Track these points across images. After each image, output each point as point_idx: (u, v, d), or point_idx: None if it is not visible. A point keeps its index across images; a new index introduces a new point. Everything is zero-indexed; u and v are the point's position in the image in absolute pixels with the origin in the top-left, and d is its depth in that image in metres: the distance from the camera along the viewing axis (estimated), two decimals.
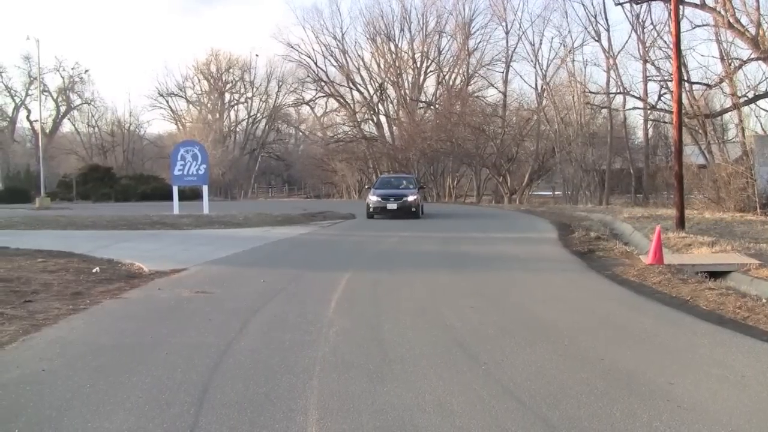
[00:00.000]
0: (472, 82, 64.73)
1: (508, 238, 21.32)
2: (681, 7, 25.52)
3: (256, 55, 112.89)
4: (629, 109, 50.90)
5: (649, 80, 45.79)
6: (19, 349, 7.26)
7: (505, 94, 59.89)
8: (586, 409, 5.52)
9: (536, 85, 57.57)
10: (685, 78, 35.10)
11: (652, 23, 44.38)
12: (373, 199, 29.61)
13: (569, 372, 6.57)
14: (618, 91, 48.27)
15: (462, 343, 7.77)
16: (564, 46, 54.59)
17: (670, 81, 30.51)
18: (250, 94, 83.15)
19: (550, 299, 10.92)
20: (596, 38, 50.24)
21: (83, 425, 5.05)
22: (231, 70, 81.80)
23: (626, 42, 66.14)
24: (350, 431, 5.02)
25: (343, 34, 71.21)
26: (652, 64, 43.46)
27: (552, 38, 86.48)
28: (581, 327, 8.75)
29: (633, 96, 47.02)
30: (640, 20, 45.18)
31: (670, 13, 25.95)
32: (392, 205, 28.93)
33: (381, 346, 7.54)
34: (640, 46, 45.64)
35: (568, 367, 6.75)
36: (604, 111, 51.75)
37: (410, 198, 29.42)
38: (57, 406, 5.45)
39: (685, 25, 31.85)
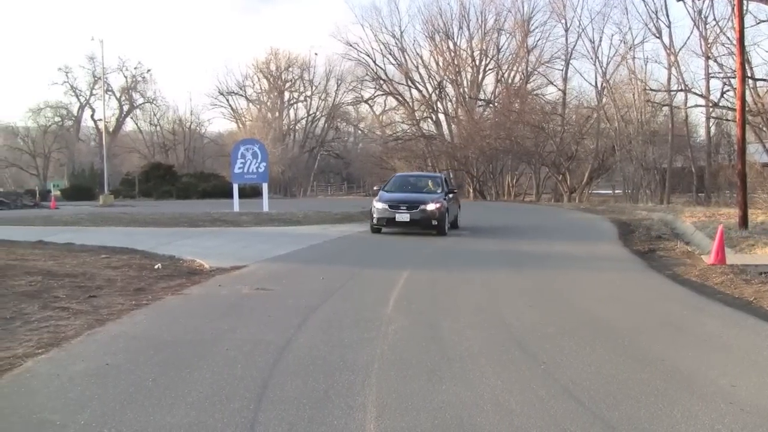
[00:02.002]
0: (531, 80, 64.21)
1: (567, 237, 21.15)
2: (745, 2, 24.97)
3: (315, 54, 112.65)
4: (691, 107, 50.10)
5: (712, 77, 45.09)
6: (85, 343, 7.39)
7: (564, 92, 59.33)
8: (646, 410, 5.45)
9: (596, 82, 56.95)
10: (749, 75, 34.41)
11: (714, 19, 43.62)
12: (378, 206, 21.21)
13: (629, 372, 6.49)
14: (679, 88, 47.67)
15: (520, 342, 7.72)
16: (624, 43, 53.96)
17: (733, 78, 30.04)
18: (309, 93, 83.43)
19: (610, 299, 10.81)
20: (657, 35, 49.60)
21: (146, 418, 5.12)
22: (290, 69, 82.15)
23: (688, 38, 65.30)
24: (408, 429, 5.01)
25: (401, 33, 71.15)
26: (715, 60, 42.79)
27: (612, 35, 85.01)
28: (641, 327, 8.64)
29: (695, 93, 46.35)
30: (702, 16, 44.58)
31: (733, 9, 25.42)
32: (403, 216, 20.64)
33: (439, 345, 7.53)
34: (702, 43, 44.96)
35: (627, 367, 6.66)
36: (665, 109, 51.02)
37: (430, 206, 20.76)
38: (120, 400, 5.53)
39: (748, 20, 31.29)
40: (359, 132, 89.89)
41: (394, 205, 20.86)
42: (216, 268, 13.41)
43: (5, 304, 9.34)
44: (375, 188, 26.39)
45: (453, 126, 68.68)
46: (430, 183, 23.96)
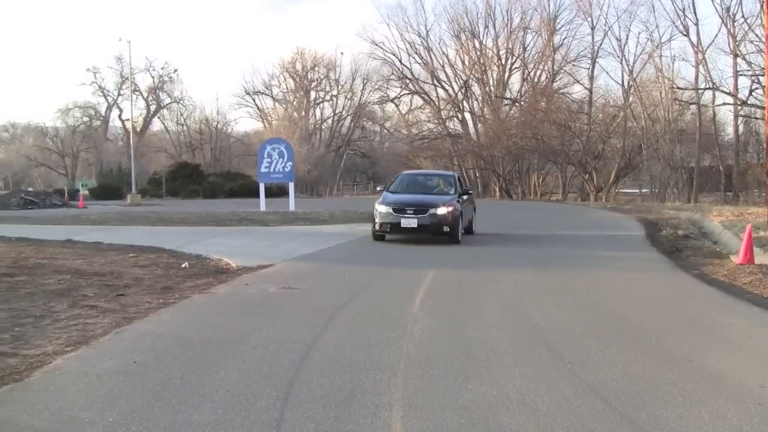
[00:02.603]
0: (557, 79, 63.90)
1: (594, 236, 21.06)
2: None
3: (341, 53, 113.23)
4: (719, 105, 49.47)
5: (740, 75, 44.65)
6: (113, 341, 7.45)
7: (590, 91, 59.08)
8: (674, 410, 5.41)
9: (623, 81, 56.42)
10: None
11: (743, 16, 43.09)
12: (381, 209, 18.73)
13: (656, 372, 6.45)
14: (707, 86, 47.20)
15: (547, 341, 7.69)
16: (651, 41, 53.49)
17: (762, 75, 29.77)
18: (335, 92, 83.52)
19: (637, 298, 10.76)
20: (684, 33, 49.09)
21: (173, 416, 5.16)
22: (316, 68, 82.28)
23: (716, 36, 64.25)
24: (434, 428, 5.01)
25: (427, 32, 71.23)
26: (743, 58, 42.36)
27: (639, 33, 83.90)
28: (668, 327, 8.59)
29: (723, 91, 45.92)
30: (731, 13, 44.10)
31: (762, 6, 25.20)
32: (410, 221, 18.20)
33: (465, 344, 7.52)
34: (731, 40, 44.53)
35: (654, 367, 6.62)
36: (693, 107, 50.59)
37: (441, 210, 18.40)
38: (148, 397, 5.58)
39: None
40: (385, 131, 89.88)
41: (400, 209, 18.42)
42: (243, 267, 13.47)
43: (35, 302, 9.45)
44: (378, 188, 24.13)
45: (479, 125, 68.53)
46: (441, 183, 21.28)
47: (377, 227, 18.75)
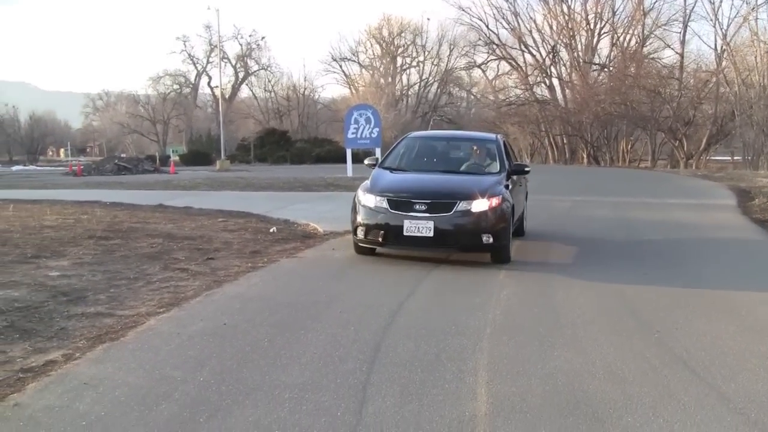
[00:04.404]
0: (647, 44, 62.16)
1: (684, 204, 20.56)
2: None
3: (428, 19, 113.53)
4: None
5: None
6: (203, 303, 7.61)
7: (682, 56, 57.27)
8: (764, 384, 5.27)
9: (715, 45, 54.50)
10: None
11: None
12: (367, 201, 10.74)
13: (747, 344, 6.29)
14: None
15: (634, 310, 7.58)
16: (746, 3, 51.43)
17: None
18: (421, 58, 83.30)
19: (727, 268, 10.51)
20: None
21: (261, 377, 5.25)
22: (403, 35, 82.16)
23: None
24: (519, 394, 4.99)
25: None
26: None
27: None
28: (760, 298, 8.34)
29: None
30: None
31: None
32: (420, 225, 10.10)
33: (552, 311, 7.46)
34: None
35: (745, 339, 6.46)
36: None
37: (479, 204, 10.28)
38: (237, 358, 5.68)
39: None
40: (472, 97, 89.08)
41: (402, 201, 10.36)
42: (330, 232, 13.54)
43: (129, 265, 9.71)
44: (367, 162, 12.81)
45: (567, 91, 67.54)
46: (475, 153, 12.60)
47: (359, 234, 10.62)
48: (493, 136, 13.07)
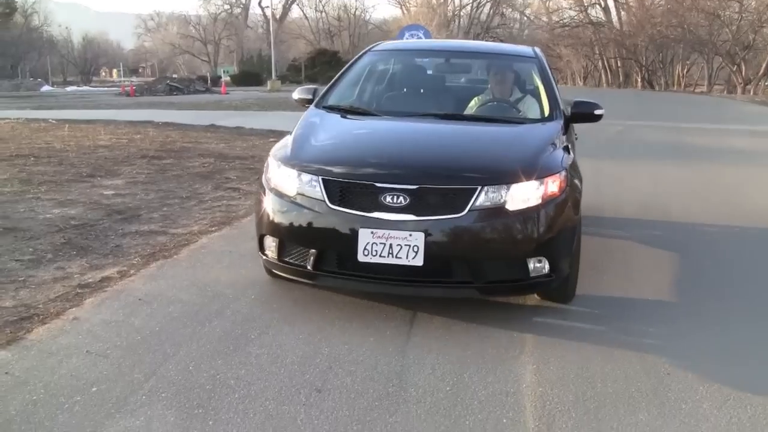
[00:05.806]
0: None
1: (739, 131, 20.11)
2: None
3: None
4: None
5: None
6: (254, 223, 7.68)
7: None
8: None
9: None
10: None
11: None
12: (285, 181, 4.93)
13: None
14: None
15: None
16: None
17: None
18: None
19: None
20: None
21: (312, 295, 5.27)
22: None
23: None
24: None
25: None
26: None
27: None
28: None
29: None
30: None
31: None
32: (398, 242, 4.44)
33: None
34: None
35: None
36: None
37: (518, 194, 4.56)
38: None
39: None
40: (525, 18, 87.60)
41: (355, 184, 4.72)
42: None
43: (182, 184, 9.84)
44: (297, 95, 6.89)
45: (622, 12, 66.15)
46: (501, 82, 6.44)
47: (269, 252, 5.12)
48: (529, 49, 7.34)
